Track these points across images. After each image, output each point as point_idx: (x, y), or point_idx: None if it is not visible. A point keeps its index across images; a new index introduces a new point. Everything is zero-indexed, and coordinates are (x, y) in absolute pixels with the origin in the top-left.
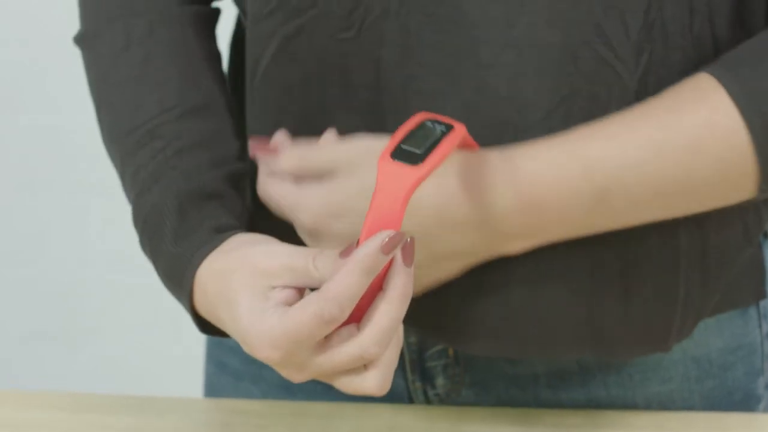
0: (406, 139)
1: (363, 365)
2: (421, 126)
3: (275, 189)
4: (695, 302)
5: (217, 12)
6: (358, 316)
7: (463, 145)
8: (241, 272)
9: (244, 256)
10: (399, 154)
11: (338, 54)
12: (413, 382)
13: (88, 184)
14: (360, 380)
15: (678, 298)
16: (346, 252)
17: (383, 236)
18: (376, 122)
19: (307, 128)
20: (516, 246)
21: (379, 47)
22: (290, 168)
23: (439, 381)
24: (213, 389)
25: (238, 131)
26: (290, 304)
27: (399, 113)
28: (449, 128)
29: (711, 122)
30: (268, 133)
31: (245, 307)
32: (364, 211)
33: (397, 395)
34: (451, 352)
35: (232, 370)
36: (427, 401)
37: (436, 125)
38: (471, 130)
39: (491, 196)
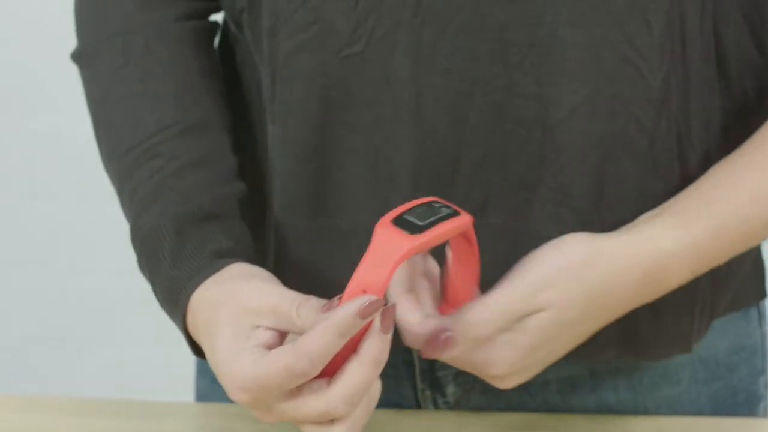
0: (411, 211)
1: (330, 420)
2: (428, 204)
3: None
4: (711, 301)
5: (214, 26)
6: (331, 371)
7: (466, 236)
8: (229, 307)
9: (234, 290)
10: (400, 221)
11: (342, 71)
12: (422, 391)
13: (96, 189)
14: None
15: (697, 297)
16: (327, 307)
17: (363, 301)
18: (382, 140)
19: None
20: None
21: (390, 60)
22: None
23: (450, 389)
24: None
25: (237, 147)
26: (270, 346)
27: (412, 125)
28: (456, 213)
29: None
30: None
31: (224, 342)
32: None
33: (405, 404)
34: None
35: None
36: (436, 408)
37: (444, 208)
38: (501, 128)
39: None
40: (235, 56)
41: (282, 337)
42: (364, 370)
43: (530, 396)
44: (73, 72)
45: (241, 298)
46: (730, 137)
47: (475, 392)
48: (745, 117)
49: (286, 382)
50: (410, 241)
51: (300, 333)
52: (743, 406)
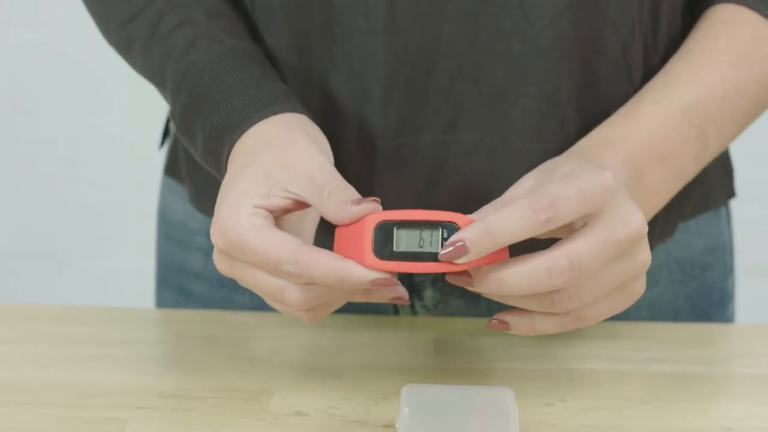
0: (404, 225)
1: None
2: (430, 227)
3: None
4: (676, 202)
5: None
6: None
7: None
8: (275, 154)
9: (290, 141)
10: (383, 231)
11: None
12: None
13: (81, 103)
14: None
15: None
16: (357, 201)
17: (365, 277)
18: (355, 50)
19: (296, 56)
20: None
21: None
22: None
23: (427, 293)
24: None
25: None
26: (279, 214)
27: (385, 35)
28: (435, 258)
29: (757, 38)
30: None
31: (245, 187)
32: None
33: (382, 307)
34: None
35: (199, 297)
36: (414, 313)
37: (434, 240)
38: (477, 38)
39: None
40: None
41: (293, 210)
42: (328, 268)
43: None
44: None
45: (292, 153)
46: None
47: (453, 296)
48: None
49: (266, 265)
50: (369, 264)
51: (321, 211)
52: (717, 304)
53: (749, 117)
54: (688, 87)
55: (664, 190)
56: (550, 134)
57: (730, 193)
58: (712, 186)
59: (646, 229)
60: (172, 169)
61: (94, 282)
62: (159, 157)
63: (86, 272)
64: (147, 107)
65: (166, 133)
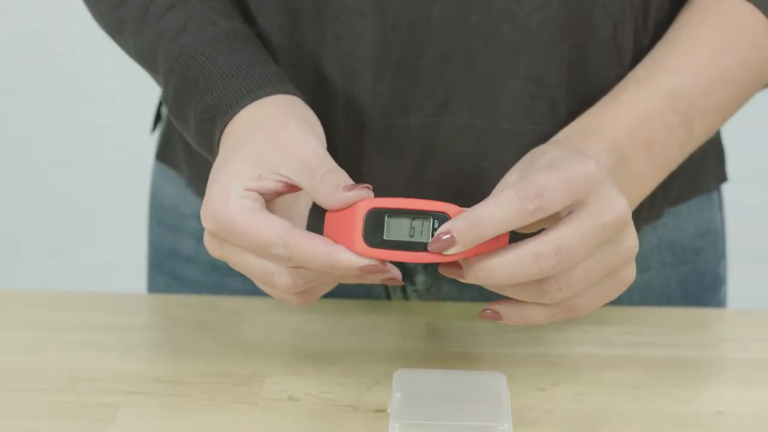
0: (396, 213)
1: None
2: (421, 216)
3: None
4: (659, 184)
5: None
6: None
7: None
8: (267, 136)
9: (283, 124)
10: (374, 217)
11: None
12: None
13: (71, 90)
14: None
15: None
16: (349, 188)
17: (355, 263)
18: (345, 31)
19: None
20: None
21: None
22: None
23: (420, 278)
24: None
25: None
26: (269, 197)
27: (374, 17)
28: (424, 248)
29: (742, 24)
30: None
31: (237, 168)
32: None
33: (374, 292)
34: None
35: (190, 281)
36: (405, 298)
37: (425, 230)
38: (467, 20)
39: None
40: None
41: (284, 193)
42: (318, 253)
43: None
44: None
45: (285, 136)
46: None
47: (445, 281)
48: None
49: (255, 248)
50: (359, 251)
51: (312, 195)
52: (709, 289)
53: (735, 104)
54: (673, 74)
55: (649, 177)
56: (539, 116)
57: (722, 177)
58: (703, 170)
59: (630, 214)
60: (164, 154)
61: (85, 268)
62: (151, 142)
63: (78, 258)
64: (138, 93)
65: (157, 118)
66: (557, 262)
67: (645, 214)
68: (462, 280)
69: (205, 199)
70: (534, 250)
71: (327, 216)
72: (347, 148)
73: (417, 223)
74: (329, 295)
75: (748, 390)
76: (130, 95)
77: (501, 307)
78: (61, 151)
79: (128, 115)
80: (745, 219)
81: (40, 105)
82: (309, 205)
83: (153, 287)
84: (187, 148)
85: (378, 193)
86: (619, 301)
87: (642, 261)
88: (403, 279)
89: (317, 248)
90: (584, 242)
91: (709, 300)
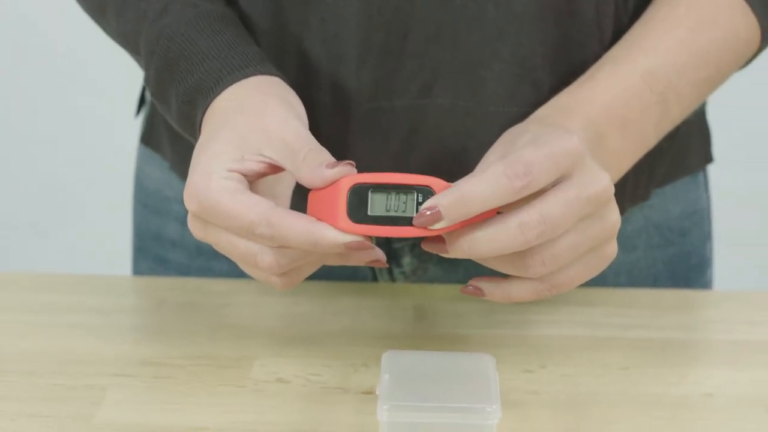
0: (379, 188)
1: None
2: (405, 191)
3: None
4: (644, 165)
5: None
6: None
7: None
8: (249, 119)
9: (264, 105)
10: (358, 193)
11: None
12: None
13: (56, 73)
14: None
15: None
16: (332, 165)
17: (340, 240)
18: (329, 14)
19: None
20: None
21: None
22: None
23: (406, 260)
24: None
25: None
26: (252, 178)
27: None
28: (409, 222)
29: (718, 4)
30: None
31: (218, 149)
32: None
33: (360, 274)
34: None
35: (176, 265)
36: (392, 280)
37: (409, 204)
38: (451, 2)
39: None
40: None
41: (267, 174)
42: (301, 231)
43: (488, 268)
44: None
45: (267, 117)
46: None
47: (431, 263)
48: None
49: (238, 228)
50: (343, 227)
51: (295, 175)
52: (695, 269)
53: (711, 84)
54: (650, 54)
55: (625, 155)
56: (524, 98)
57: (708, 158)
58: (688, 150)
59: (613, 189)
60: (148, 138)
61: (71, 252)
62: (136, 126)
63: (63, 242)
64: (123, 76)
65: (141, 101)
66: (541, 232)
67: (631, 194)
68: (445, 255)
69: (187, 181)
70: (518, 220)
71: (310, 195)
72: (333, 131)
73: (401, 197)
74: (316, 278)
75: (736, 371)
76: (116, 75)
77: (483, 284)
78: (46, 134)
79: (113, 98)
80: (729, 202)
81: (25, 89)
82: (292, 186)
83: (138, 271)
84: (170, 132)
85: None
86: (605, 282)
87: (628, 242)
88: (390, 261)
89: (300, 226)
90: (568, 213)
91: (695, 281)
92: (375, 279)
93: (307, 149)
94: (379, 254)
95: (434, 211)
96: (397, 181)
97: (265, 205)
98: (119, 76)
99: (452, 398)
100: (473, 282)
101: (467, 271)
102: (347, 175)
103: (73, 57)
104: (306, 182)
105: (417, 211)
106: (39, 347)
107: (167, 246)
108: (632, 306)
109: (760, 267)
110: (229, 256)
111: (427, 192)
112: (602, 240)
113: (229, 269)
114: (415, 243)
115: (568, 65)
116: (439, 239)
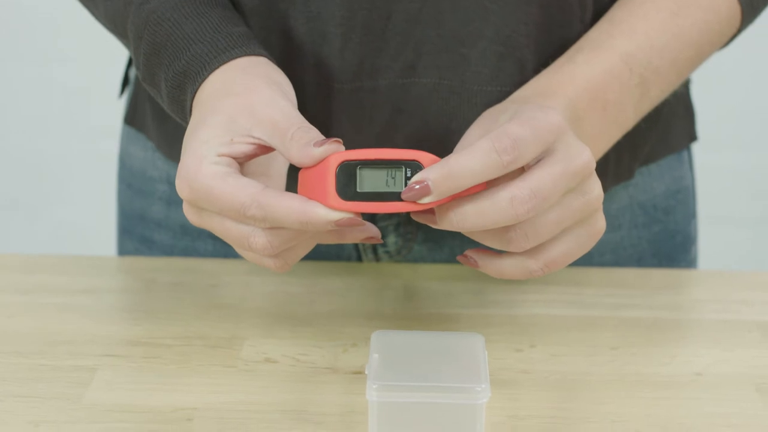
0: (368, 165)
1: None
2: (394, 166)
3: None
4: (626, 143)
5: None
6: None
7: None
8: (237, 100)
9: (251, 87)
10: (347, 170)
11: None
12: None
13: (51, 53)
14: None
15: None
16: (320, 143)
17: (327, 218)
18: None
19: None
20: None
21: None
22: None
23: (390, 239)
24: None
25: None
26: (242, 160)
27: None
28: (398, 198)
29: None
30: None
31: (209, 134)
32: None
33: (345, 253)
34: None
35: (161, 246)
36: (377, 259)
37: (398, 179)
38: None
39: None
40: None
41: (258, 154)
42: (291, 210)
43: (474, 245)
44: None
45: (254, 98)
46: None
47: (416, 242)
48: None
49: (230, 211)
50: (333, 205)
51: (284, 154)
52: (680, 247)
53: (690, 65)
54: (629, 35)
55: (603, 136)
56: (507, 76)
57: (692, 136)
58: (672, 128)
59: (594, 163)
60: (132, 118)
61: (56, 232)
62: (120, 106)
63: (48, 223)
64: (107, 56)
65: (125, 81)
66: (532, 206)
67: (614, 173)
68: (434, 226)
69: (178, 168)
70: (509, 194)
71: (300, 174)
72: (317, 110)
73: (390, 173)
74: (304, 257)
75: (725, 351)
76: (100, 55)
77: (480, 256)
78: (30, 114)
79: (99, 77)
80: (712, 180)
81: (8, 66)
82: (287, 164)
83: (123, 252)
84: (155, 112)
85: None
86: (590, 261)
87: (613, 220)
88: None
89: (291, 205)
90: (556, 187)
91: (680, 259)
92: (359, 259)
93: (295, 128)
94: (373, 230)
95: (423, 184)
96: (385, 157)
97: (256, 187)
98: (104, 55)
99: (441, 377)
100: (469, 252)
101: (452, 250)
102: (335, 152)
103: (56, 35)
104: (295, 161)
105: (406, 186)
106: (27, 328)
107: (152, 226)
108: (621, 285)
109: (744, 244)
110: (225, 240)
111: (415, 166)
112: (586, 214)
113: (214, 249)
114: (399, 222)
115: (551, 44)
116: (428, 210)
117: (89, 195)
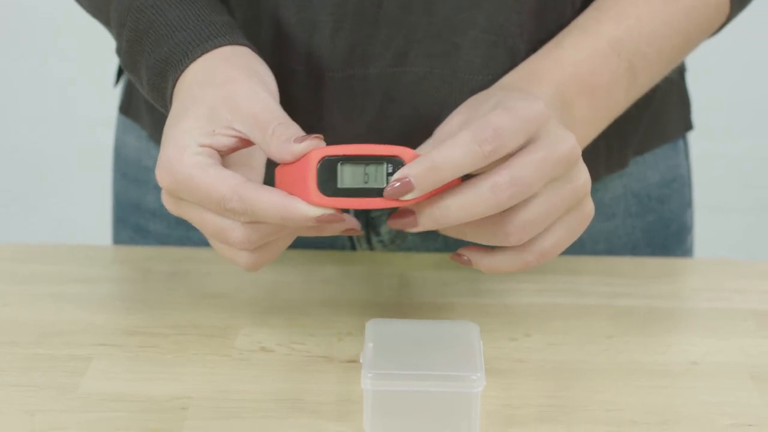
0: (350, 160)
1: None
2: (375, 162)
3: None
4: (615, 131)
5: None
6: None
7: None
8: (219, 91)
9: (232, 78)
10: (328, 166)
11: None
12: None
13: (49, 47)
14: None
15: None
16: (300, 139)
17: (305, 214)
18: None
19: None
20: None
21: None
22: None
23: (384, 228)
24: None
25: None
26: (223, 153)
27: None
28: (380, 194)
29: None
30: None
31: (190, 124)
32: None
33: (339, 243)
34: None
35: (156, 235)
36: (371, 248)
37: (379, 176)
38: None
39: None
40: None
41: (239, 147)
42: (272, 205)
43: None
44: None
45: (235, 90)
46: None
47: (410, 231)
48: None
49: (210, 203)
50: (314, 201)
51: (264, 149)
52: (674, 237)
53: (679, 52)
54: (617, 21)
55: (592, 121)
56: (499, 65)
57: (688, 125)
58: (667, 117)
59: (579, 150)
60: (126, 107)
61: (51, 222)
62: (115, 95)
63: (43, 212)
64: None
65: (120, 71)
66: (513, 193)
67: (607, 162)
68: (414, 230)
69: (159, 156)
70: (490, 182)
71: (278, 170)
72: (308, 99)
73: (371, 168)
74: (299, 246)
75: (721, 339)
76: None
77: (472, 253)
78: (25, 104)
79: (94, 67)
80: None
81: (3, 60)
82: (265, 158)
83: (118, 241)
84: (148, 101)
85: (338, 144)
86: (584, 250)
87: (607, 209)
88: (368, 229)
89: (271, 200)
90: (538, 172)
91: (675, 248)
92: (353, 248)
93: (276, 123)
94: (353, 223)
95: (405, 181)
96: (366, 152)
97: (237, 179)
98: (98, 44)
99: (436, 366)
100: (462, 251)
101: (446, 239)
102: (316, 148)
103: (51, 26)
104: (275, 157)
105: (387, 182)
106: (22, 317)
107: (147, 216)
108: (616, 274)
109: (740, 233)
110: (201, 232)
111: (397, 162)
112: (575, 201)
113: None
114: (392, 212)
115: (544, 33)
116: (405, 213)
117: (86, 189)
